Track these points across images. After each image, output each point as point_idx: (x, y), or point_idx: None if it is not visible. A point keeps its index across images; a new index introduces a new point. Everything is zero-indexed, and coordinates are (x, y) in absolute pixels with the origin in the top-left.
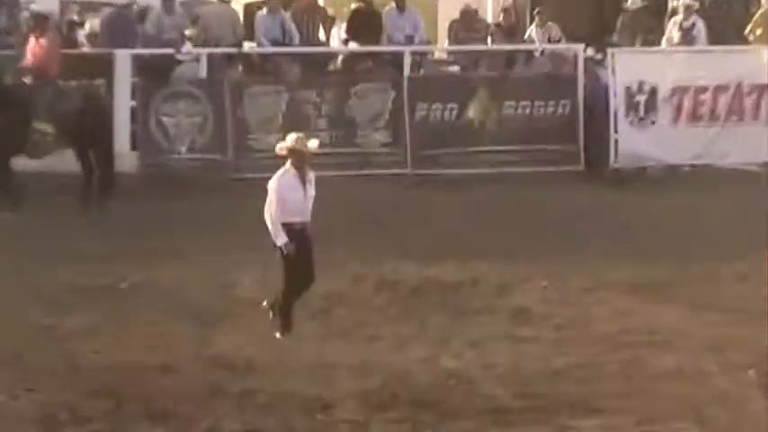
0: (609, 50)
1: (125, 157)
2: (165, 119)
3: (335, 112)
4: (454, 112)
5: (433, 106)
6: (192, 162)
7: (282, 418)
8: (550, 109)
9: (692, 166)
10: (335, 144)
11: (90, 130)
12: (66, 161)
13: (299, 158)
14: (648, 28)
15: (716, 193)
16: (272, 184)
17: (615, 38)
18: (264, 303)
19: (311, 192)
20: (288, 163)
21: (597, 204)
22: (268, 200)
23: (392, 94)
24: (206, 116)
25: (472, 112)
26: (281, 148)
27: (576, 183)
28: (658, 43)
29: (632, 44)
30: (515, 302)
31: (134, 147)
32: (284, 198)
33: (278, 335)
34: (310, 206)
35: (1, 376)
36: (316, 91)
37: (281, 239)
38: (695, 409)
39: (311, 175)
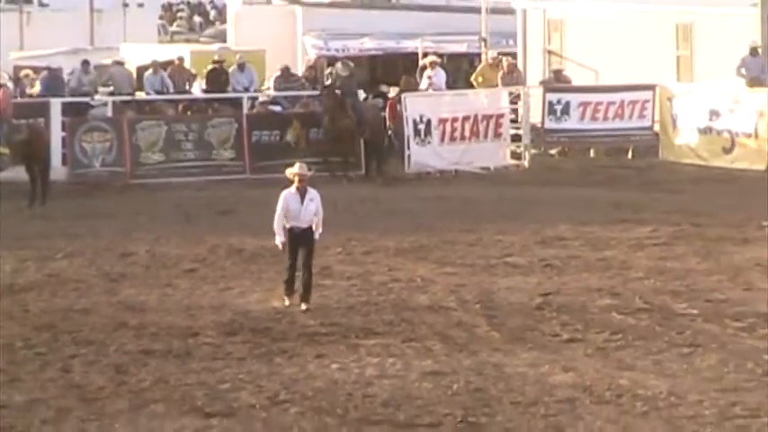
0: (403, 95)
1: (58, 170)
2: (84, 144)
3: (198, 138)
4: (277, 137)
5: (263, 133)
6: (103, 172)
7: (165, 342)
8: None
9: (457, 171)
10: (198, 159)
11: (34, 153)
12: (18, 173)
13: (301, 179)
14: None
15: (458, 187)
16: (280, 197)
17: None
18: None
19: (311, 207)
20: (294, 184)
21: (374, 197)
22: (277, 209)
23: (236, 125)
24: (112, 142)
25: (289, 136)
26: (291, 173)
27: (358, 183)
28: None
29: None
30: (321, 262)
31: (64, 163)
32: (287, 208)
33: (286, 301)
34: (311, 217)
35: None
36: (185, 124)
37: (278, 239)
38: (440, 332)
39: (313, 194)
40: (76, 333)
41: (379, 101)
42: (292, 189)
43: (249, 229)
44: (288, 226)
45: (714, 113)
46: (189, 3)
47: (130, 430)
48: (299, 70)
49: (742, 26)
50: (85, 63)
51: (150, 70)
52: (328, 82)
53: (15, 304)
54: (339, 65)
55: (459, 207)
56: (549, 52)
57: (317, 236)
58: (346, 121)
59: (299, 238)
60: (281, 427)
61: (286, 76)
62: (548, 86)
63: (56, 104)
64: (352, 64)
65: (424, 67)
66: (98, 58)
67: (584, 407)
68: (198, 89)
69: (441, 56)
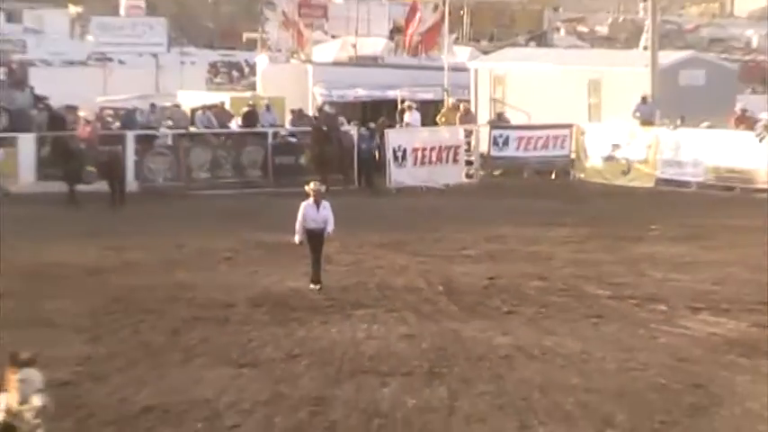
0: (385, 131)
1: (131, 183)
2: (151, 164)
3: (235, 161)
4: (293, 160)
5: (283, 157)
6: (165, 185)
7: (209, 310)
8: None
9: (426, 186)
10: (235, 176)
11: (114, 171)
12: (102, 186)
13: (316, 193)
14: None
15: (426, 199)
16: (300, 207)
17: (325, 127)
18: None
19: (324, 213)
20: (312, 196)
21: (364, 205)
22: (298, 216)
23: (263, 151)
24: (172, 163)
25: (302, 160)
26: (309, 189)
27: (353, 194)
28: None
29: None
30: (323, 252)
31: (136, 178)
32: (305, 214)
33: (311, 286)
34: (324, 220)
35: (67, 290)
36: (225, 150)
37: (297, 237)
38: (413, 305)
39: (325, 204)
40: (143, 304)
41: (367, 133)
42: (310, 201)
43: (272, 228)
44: (308, 227)
45: (615, 146)
46: (229, 62)
47: (182, 376)
48: (310, 112)
49: (637, 81)
50: (152, 105)
51: (200, 111)
52: (317, 118)
53: (98, 282)
54: (327, 106)
55: (427, 213)
56: (494, 100)
57: (329, 229)
58: (330, 148)
59: (316, 236)
60: (295, 375)
61: (300, 116)
62: (493, 125)
63: (130, 136)
64: (333, 108)
65: (403, 110)
66: (162, 101)
67: (518, 362)
68: (235, 125)
69: (415, 102)
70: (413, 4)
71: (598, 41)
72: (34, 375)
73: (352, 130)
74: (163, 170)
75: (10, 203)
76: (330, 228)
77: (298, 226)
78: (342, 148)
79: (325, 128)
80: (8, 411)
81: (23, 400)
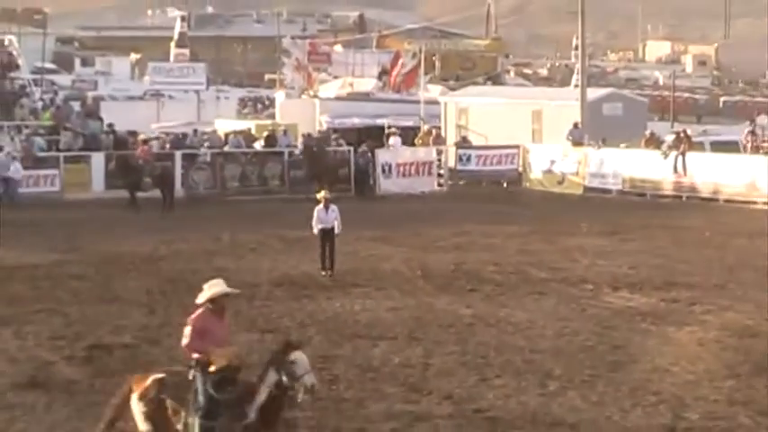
0: (375, 150)
1: (179, 191)
2: (194, 176)
3: (259, 173)
4: (306, 174)
5: (297, 171)
6: (205, 192)
7: (240, 289)
8: (343, 170)
9: (409, 194)
10: (259, 186)
11: (164, 182)
12: (156, 193)
13: (325, 199)
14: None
15: (408, 203)
16: (315, 211)
17: (315, 149)
18: (324, 273)
19: (332, 214)
20: (322, 202)
21: (359, 207)
22: (313, 217)
23: (280, 166)
24: (210, 175)
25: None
26: (319, 197)
27: (350, 200)
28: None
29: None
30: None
31: (182, 186)
32: (318, 217)
33: (322, 273)
34: (333, 219)
35: (129, 273)
36: (252, 166)
37: (315, 230)
38: (397, 284)
39: (334, 207)
40: (188, 284)
41: (361, 151)
42: (321, 205)
43: (289, 226)
44: (319, 227)
45: (552, 161)
46: (254, 97)
47: None
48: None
49: (570, 112)
50: (195, 130)
51: (232, 135)
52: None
53: (153, 267)
54: (317, 132)
55: (408, 214)
56: (459, 126)
57: (338, 230)
58: (320, 164)
59: (326, 235)
60: (306, 339)
61: (309, 137)
62: (458, 146)
63: (178, 154)
64: (335, 133)
65: (389, 135)
66: (202, 127)
67: (478, 328)
68: (259, 146)
69: (398, 128)
70: (396, 53)
71: (539, 81)
72: (303, 358)
73: (352, 150)
74: (203, 181)
75: (85, 207)
76: (338, 230)
77: (314, 224)
78: (328, 165)
79: (315, 149)
80: (277, 385)
81: (294, 379)
